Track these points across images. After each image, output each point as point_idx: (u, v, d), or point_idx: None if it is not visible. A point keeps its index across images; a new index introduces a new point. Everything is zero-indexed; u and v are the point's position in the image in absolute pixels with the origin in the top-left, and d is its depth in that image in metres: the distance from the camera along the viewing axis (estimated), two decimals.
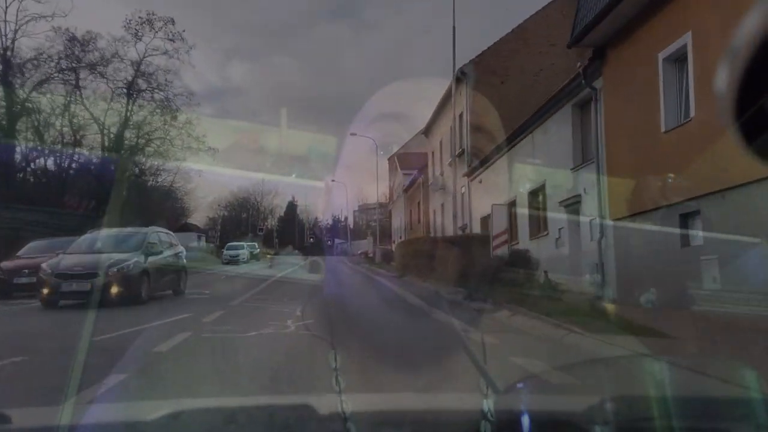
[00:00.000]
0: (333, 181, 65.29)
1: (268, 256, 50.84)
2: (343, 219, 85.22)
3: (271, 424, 1.51)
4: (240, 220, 73.15)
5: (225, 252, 42.86)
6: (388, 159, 53.01)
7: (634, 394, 1.64)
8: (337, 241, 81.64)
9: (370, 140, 47.18)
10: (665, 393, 1.52)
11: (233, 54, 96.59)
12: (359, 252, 62.85)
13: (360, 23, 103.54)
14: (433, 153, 31.70)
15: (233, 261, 40.06)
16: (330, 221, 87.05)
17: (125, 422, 1.57)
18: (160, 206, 45.16)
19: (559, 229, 14.95)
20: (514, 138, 18.56)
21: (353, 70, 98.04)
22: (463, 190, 24.84)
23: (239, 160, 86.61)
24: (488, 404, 1.46)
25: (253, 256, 47.09)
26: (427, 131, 33.09)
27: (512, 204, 18.80)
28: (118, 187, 28.81)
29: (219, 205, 71.10)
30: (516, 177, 18.27)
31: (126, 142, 33.61)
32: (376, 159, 43.25)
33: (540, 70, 24.43)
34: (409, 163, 44.11)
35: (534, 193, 16.68)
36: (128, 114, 33.23)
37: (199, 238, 64.26)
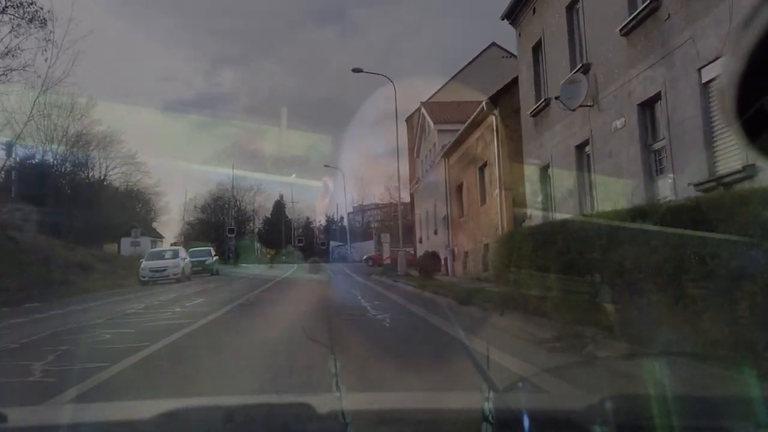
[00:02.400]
0: (326, 166, 54.73)
1: (268, 256, 51.26)
2: (339, 218, 71.00)
3: (269, 423, 1.47)
4: (219, 223, 63.72)
5: (144, 264, 25.17)
6: (407, 120, 36.33)
7: (633, 393, 1.57)
8: (333, 243, 67.21)
9: (380, 77, 31.17)
10: (665, 392, 1.45)
11: (221, 60, 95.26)
12: (364, 257, 47.16)
13: (347, 26, 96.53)
14: (538, 47, 15.09)
15: (159, 276, 23.88)
16: (323, 222, 73.29)
17: (123, 421, 1.56)
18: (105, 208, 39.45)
19: None
20: None
21: (343, 73, 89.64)
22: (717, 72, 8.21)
23: (232, 162, 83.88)
24: (488, 403, 1.38)
25: (207, 267, 30.34)
26: (512, 13, 16.44)
27: None
28: None
29: (195, 207, 64.80)
30: None
31: None
32: (395, 104, 26.67)
33: None
34: (448, 114, 27.56)
35: None
36: None
37: (152, 244, 50.98)
